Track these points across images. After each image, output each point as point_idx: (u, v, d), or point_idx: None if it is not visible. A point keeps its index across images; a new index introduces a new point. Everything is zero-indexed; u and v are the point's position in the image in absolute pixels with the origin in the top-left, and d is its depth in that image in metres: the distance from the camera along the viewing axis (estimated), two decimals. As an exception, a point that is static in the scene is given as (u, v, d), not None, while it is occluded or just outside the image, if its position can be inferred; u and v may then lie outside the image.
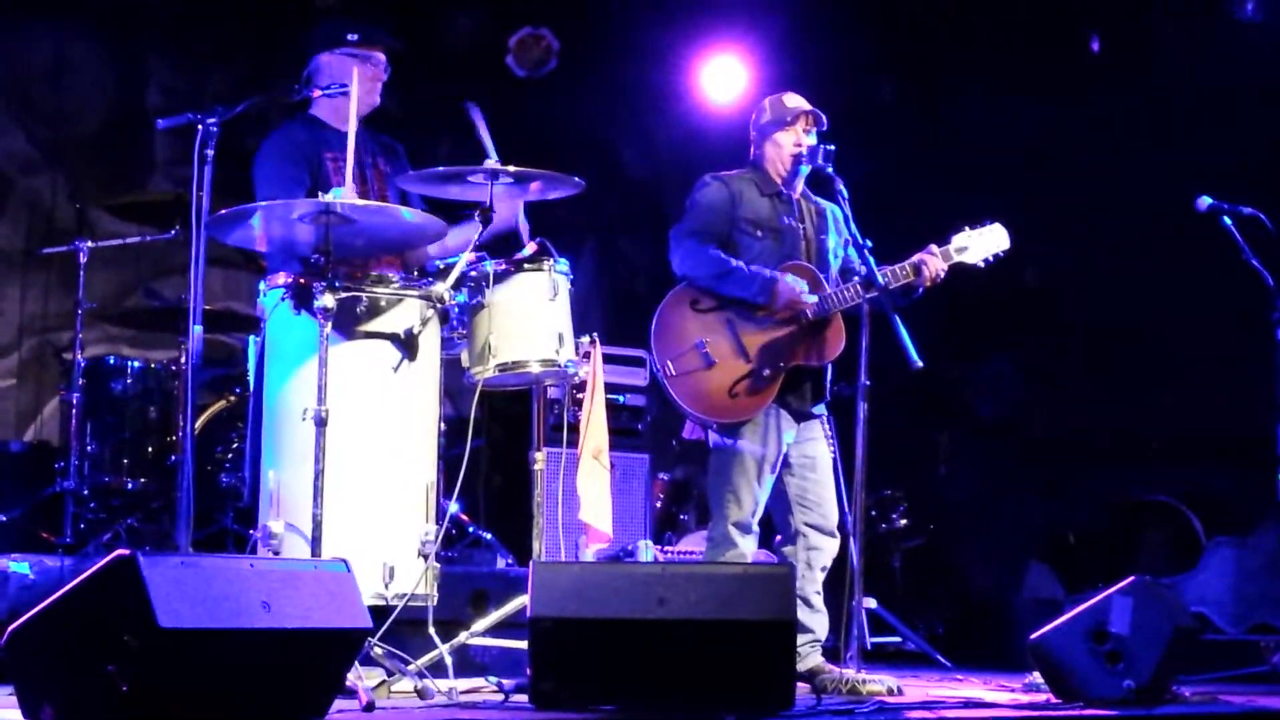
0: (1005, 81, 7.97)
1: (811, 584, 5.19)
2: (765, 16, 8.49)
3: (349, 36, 5.24)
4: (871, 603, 6.75)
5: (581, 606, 3.96)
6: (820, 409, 5.33)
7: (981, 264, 5.42)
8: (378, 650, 4.28)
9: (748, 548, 5.17)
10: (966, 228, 5.41)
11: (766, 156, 5.40)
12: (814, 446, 5.30)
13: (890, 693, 4.86)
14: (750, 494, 5.15)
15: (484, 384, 4.70)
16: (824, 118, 5.35)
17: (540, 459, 4.93)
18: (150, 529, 6.15)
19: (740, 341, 5.19)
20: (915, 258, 5.30)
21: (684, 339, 5.19)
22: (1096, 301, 8.11)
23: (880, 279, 5.08)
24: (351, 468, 4.40)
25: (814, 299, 5.16)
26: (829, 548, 5.25)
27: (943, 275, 5.32)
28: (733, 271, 5.17)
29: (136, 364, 6.34)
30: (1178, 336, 7.74)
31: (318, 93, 5.11)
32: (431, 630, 4.50)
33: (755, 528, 5.22)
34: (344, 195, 4.35)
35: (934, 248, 5.34)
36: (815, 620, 5.18)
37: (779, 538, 5.32)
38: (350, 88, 5.05)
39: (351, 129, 4.53)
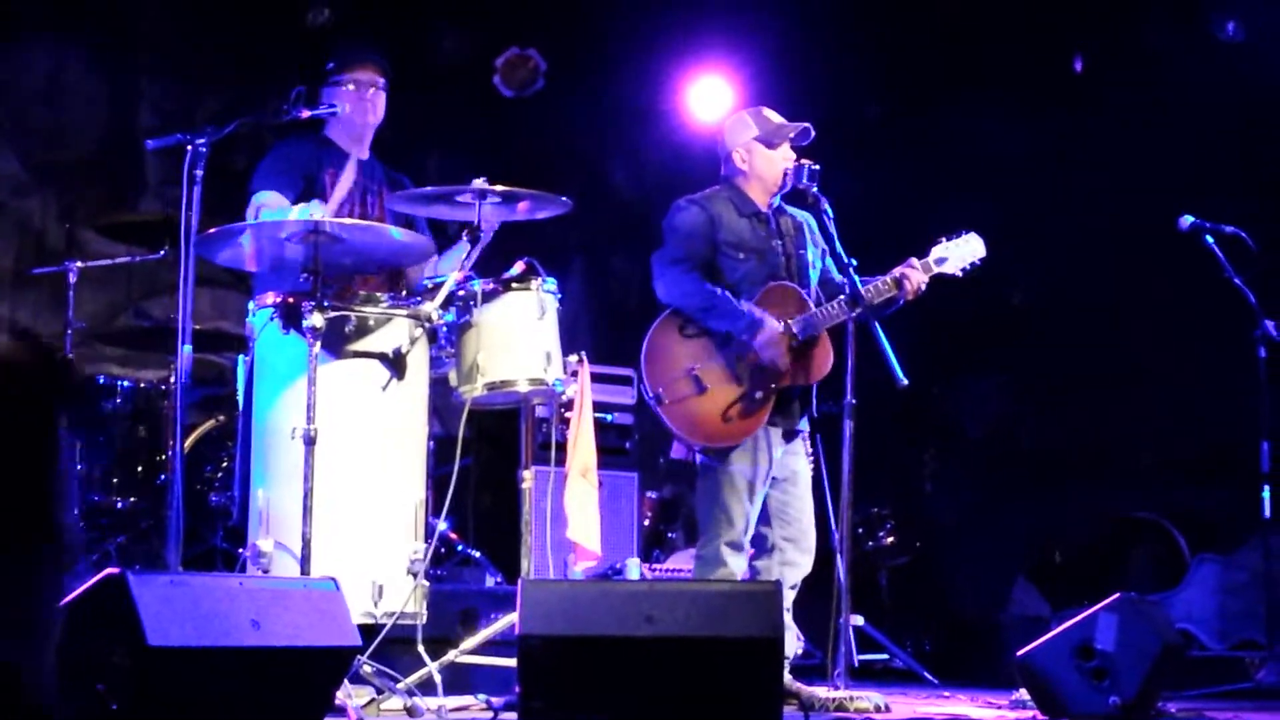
0: (991, 101, 8.00)
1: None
2: (752, 37, 8.52)
3: (328, 67, 5.36)
4: (859, 620, 6.76)
5: (570, 624, 3.98)
6: (804, 425, 5.35)
7: (959, 273, 5.42)
8: (367, 668, 4.29)
9: (738, 566, 5.15)
10: (943, 239, 5.42)
11: (755, 173, 5.36)
12: (796, 461, 5.30)
13: (878, 710, 4.87)
14: (742, 512, 5.15)
15: (472, 403, 4.71)
16: (812, 131, 5.37)
17: (528, 477, 4.94)
18: (140, 548, 6.14)
19: (731, 365, 5.18)
20: (896, 272, 5.29)
21: (675, 365, 5.16)
22: (1081, 319, 8.13)
23: (865, 296, 5.09)
24: (340, 486, 4.42)
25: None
26: (804, 564, 5.24)
27: (924, 288, 5.32)
28: (718, 306, 5.14)
29: (126, 383, 6.33)
30: (1162, 354, 7.76)
31: (306, 113, 5.14)
32: (421, 648, 4.52)
33: (747, 546, 5.21)
34: (317, 212, 4.41)
35: (914, 260, 5.33)
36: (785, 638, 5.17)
37: (752, 551, 5.32)
38: (339, 108, 5.19)
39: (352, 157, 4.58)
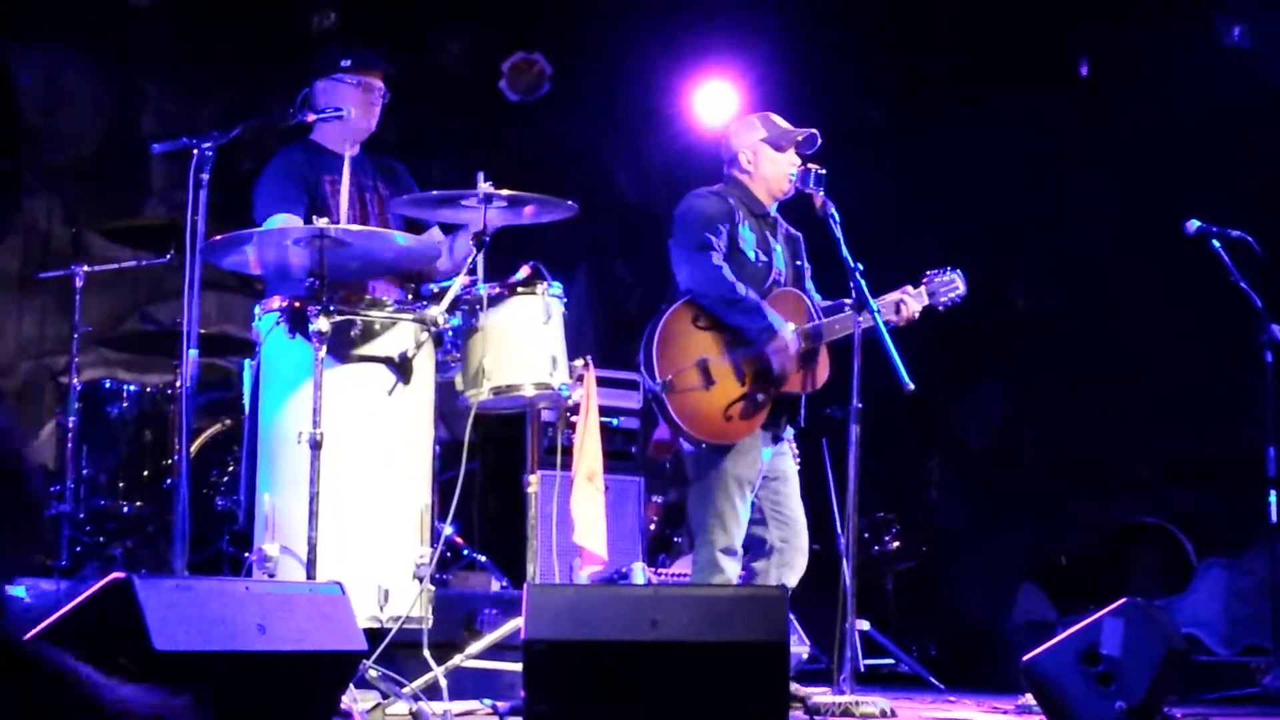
0: (994, 107, 8.01)
1: None
2: (757, 41, 8.53)
3: (342, 63, 5.31)
4: (864, 625, 6.76)
5: (576, 629, 3.97)
6: (789, 431, 5.36)
7: (940, 308, 5.50)
8: (372, 673, 4.29)
9: (733, 572, 5.17)
10: (930, 272, 5.49)
11: (760, 175, 5.38)
12: (784, 461, 5.33)
13: (883, 715, 4.87)
14: (735, 518, 5.16)
15: (478, 407, 4.71)
16: (818, 137, 5.38)
17: (534, 482, 4.94)
18: (146, 552, 6.14)
19: (738, 364, 5.19)
20: (895, 296, 5.37)
21: (686, 355, 5.15)
22: (1086, 325, 8.14)
23: (873, 304, 5.10)
24: (346, 491, 4.41)
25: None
26: (800, 564, 5.25)
27: (916, 317, 5.42)
28: (742, 301, 5.13)
29: (132, 388, 6.34)
30: (1167, 359, 7.77)
31: (312, 117, 5.13)
32: (426, 653, 4.51)
33: (740, 551, 5.22)
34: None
35: (909, 288, 5.41)
36: None
37: (748, 553, 5.31)
38: (344, 112, 5.15)
39: (349, 154, 4.57)
